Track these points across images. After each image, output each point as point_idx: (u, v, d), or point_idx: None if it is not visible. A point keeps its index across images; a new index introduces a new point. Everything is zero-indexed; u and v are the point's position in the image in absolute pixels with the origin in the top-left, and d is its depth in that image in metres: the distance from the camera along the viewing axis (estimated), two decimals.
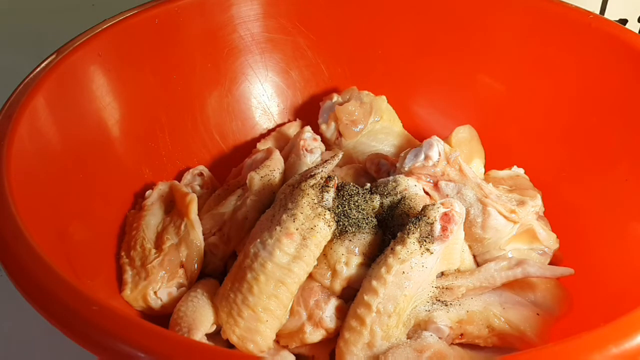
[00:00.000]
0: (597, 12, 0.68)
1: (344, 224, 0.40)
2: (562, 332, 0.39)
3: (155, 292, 0.42)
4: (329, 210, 0.40)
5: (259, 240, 0.39)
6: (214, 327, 0.39)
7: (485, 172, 0.50)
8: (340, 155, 0.45)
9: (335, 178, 0.41)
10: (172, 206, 0.47)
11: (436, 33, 0.55)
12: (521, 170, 0.50)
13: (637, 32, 0.61)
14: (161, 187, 0.48)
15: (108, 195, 0.46)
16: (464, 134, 0.49)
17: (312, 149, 0.50)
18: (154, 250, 0.44)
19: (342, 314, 0.39)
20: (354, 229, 0.40)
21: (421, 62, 0.56)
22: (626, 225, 0.43)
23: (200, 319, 0.39)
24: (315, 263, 0.40)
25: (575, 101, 0.50)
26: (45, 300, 0.29)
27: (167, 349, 0.26)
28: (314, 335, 0.39)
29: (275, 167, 0.47)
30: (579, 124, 0.49)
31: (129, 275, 0.42)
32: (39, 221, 0.35)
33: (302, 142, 0.50)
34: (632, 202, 0.44)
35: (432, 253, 0.37)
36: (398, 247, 0.37)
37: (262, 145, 0.54)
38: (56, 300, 0.29)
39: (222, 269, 0.45)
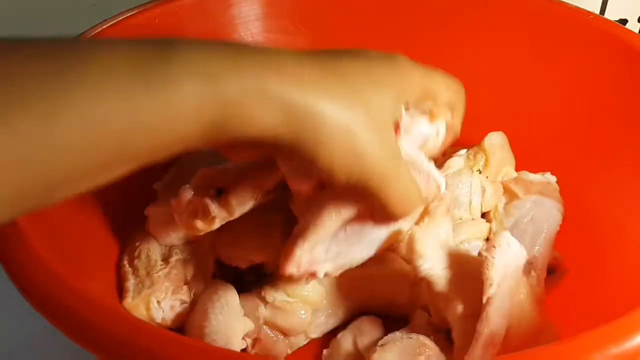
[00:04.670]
0: (597, 12, 0.68)
1: None
2: (562, 332, 0.39)
3: (158, 302, 0.41)
4: None
5: None
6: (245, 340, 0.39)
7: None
8: None
9: None
10: None
11: (436, 33, 0.55)
12: (553, 178, 0.48)
13: (637, 32, 0.61)
14: None
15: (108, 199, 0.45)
16: (497, 139, 0.49)
17: None
18: (160, 261, 0.42)
19: None
20: None
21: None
22: (627, 224, 0.43)
23: (235, 331, 0.38)
24: None
25: (574, 101, 0.50)
26: (49, 303, 0.29)
27: (166, 348, 0.26)
28: None
29: None
30: (578, 123, 0.49)
31: (131, 283, 0.41)
32: (40, 224, 0.35)
33: None
34: (633, 202, 0.44)
35: None
36: None
37: None
38: (59, 303, 0.29)
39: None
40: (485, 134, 0.49)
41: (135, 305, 0.40)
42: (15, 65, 0.23)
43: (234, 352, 0.35)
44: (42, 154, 0.24)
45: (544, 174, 0.49)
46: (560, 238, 0.46)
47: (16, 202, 0.24)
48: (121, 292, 0.42)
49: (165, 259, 0.43)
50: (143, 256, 0.43)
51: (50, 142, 0.23)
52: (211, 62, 0.27)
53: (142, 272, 0.42)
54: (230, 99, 0.27)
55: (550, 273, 0.45)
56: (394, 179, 0.32)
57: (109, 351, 0.27)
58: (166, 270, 0.42)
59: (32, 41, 0.25)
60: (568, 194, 0.48)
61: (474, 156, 0.46)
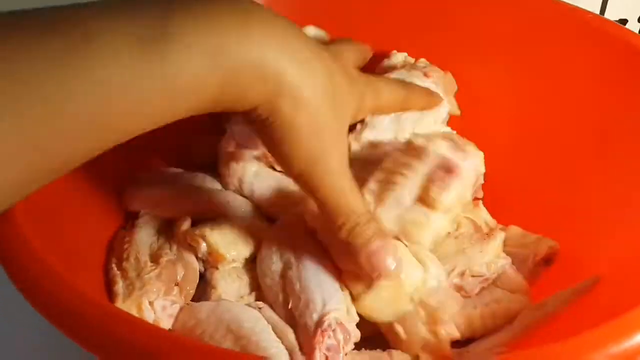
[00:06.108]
0: (597, 12, 0.68)
1: None
2: (562, 332, 0.39)
3: (150, 303, 0.40)
4: None
5: None
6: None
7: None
8: None
9: None
10: (167, 224, 0.46)
11: (435, 34, 0.55)
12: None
13: (637, 32, 0.61)
14: None
15: (102, 204, 0.45)
16: None
17: None
18: (150, 263, 0.42)
19: None
20: None
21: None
22: (628, 223, 0.43)
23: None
24: None
25: (575, 101, 0.50)
26: (48, 301, 0.29)
27: (165, 348, 0.26)
28: None
29: None
30: (578, 124, 0.49)
31: (120, 286, 0.41)
32: (39, 226, 0.34)
33: None
34: (633, 200, 0.44)
35: None
36: None
37: None
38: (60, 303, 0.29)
39: None
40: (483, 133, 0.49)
41: (127, 308, 0.40)
42: (17, 45, 0.24)
43: (234, 352, 0.35)
44: (51, 136, 0.24)
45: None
46: (556, 236, 0.46)
47: (24, 185, 0.25)
48: (109, 293, 0.41)
49: (155, 260, 0.42)
50: (132, 258, 0.42)
51: (58, 125, 0.24)
52: (212, 33, 0.27)
53: (132, 273, 0.41)
54: (228, 75, 0.28)
55: (548, 263, 0.45)
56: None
57: (108, 351, 0.27)
58: (157, 271, 0.41)
59: (30, 16, 0.25)
60: (564, 194, 0.48)
61: None
